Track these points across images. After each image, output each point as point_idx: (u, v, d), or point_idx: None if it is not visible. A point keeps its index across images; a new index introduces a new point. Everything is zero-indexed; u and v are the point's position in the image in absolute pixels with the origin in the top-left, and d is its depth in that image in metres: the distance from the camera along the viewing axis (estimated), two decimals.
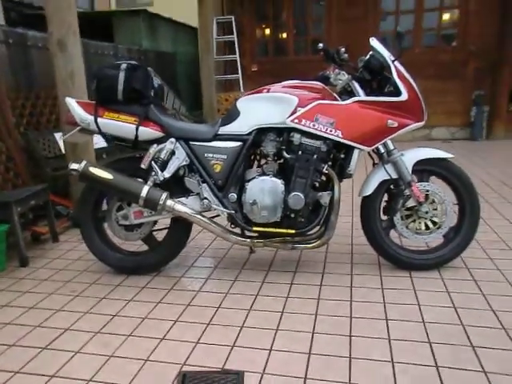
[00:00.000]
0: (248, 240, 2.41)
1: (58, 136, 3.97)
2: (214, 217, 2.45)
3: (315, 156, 2.28)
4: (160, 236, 2.57)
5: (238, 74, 7.33)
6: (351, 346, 1.76)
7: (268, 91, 2.37)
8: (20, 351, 1.84)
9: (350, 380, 1.57)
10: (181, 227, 2.49)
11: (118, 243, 2.62)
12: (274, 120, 2.30)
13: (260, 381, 1.59)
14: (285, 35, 7.93)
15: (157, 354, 1.78)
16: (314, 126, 2.24)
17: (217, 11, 7.37)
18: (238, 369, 1.66)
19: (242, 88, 7.23)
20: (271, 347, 1.78)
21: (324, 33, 7.51)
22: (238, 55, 7.34)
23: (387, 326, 1.90)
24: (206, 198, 2.33)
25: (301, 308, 2.08)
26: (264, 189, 2.30)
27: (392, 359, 1.67)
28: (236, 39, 7.34)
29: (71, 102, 2.40)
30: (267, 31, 8.09)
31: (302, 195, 2.27)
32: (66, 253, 2.95)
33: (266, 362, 1.69)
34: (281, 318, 2.00)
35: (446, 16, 7.12)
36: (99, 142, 4.19)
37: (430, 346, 1.74)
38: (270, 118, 2.31)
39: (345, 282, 2.33)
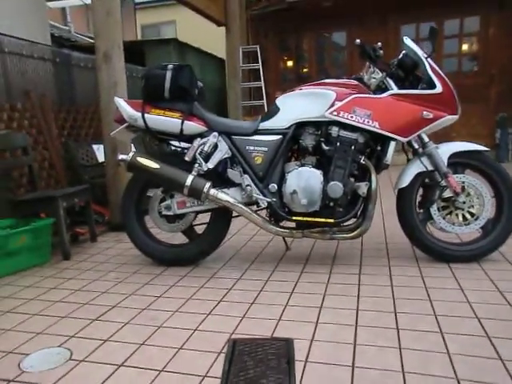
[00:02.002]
0: (287, 230, 2.46)
1: (95, 147, 4.16)
2: (255, 211, 2.52)
3: (353, 147, 2.36)
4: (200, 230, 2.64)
5: (262, 100, 7.56)
6: (397, 320, 1.77)
7: (305, 88, 2.49)
8: (72, 321, 1.90)
9: (400, 345, 1.57)
10: (220, 220, 2.57)
11: (158, 236, 2.70)
12: (313, 114, 2.40)
13: (310, 346, 1.60)
14: (307, 64, 8.22)
15: (205, 325, 1.81)
16: (351, 117, 2.33)
17: (242, 41, 7.69)
18: (285, 336, 1.68)
19: None
20: (317, 320, 1.80)
21: (346, 60, 7.76)
22: (262, 82, 7.60)
23: (431, 304, 1.90)
24: (248, 185, 2.41)
25: (342, 291, 2.11)
26: (304, 178, 2.37)
27: (440, 330, 1.67)
28: (261, 67, 7.62)
29: (119, 101, 2.56)
30: (290, 61, 8.40)
31: (340, 184, 2.33)
32: (105, 250, 3.04)
33: (314, 332, 1.71)
34: (323, 299, 2.02)
35: (466, 42, 7.31)
36: None
37: (479, 320, 1.73)
38: (308, 112, 2.41)
39: (384, 272, 2.35)
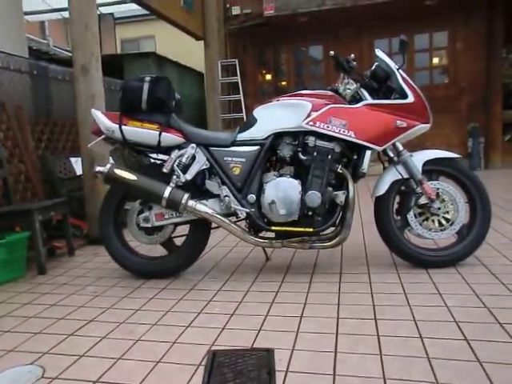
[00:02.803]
0: (267, 241, 2.46)
1: (73, 160, 4.10)
2: (234, 222, 2.51)
3: (329, 156, 2.38)
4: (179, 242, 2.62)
5: (242, 113, 7.60)
6: (378, 327, 1.77)
7: (282, 100, 2.52)
8: (46, 337, 1.85)
9: (381, 352, 1.58)
10: (200, 232, 2.55)
11: (137, 248, 2.66)
12: (290, 124, 2.43)
13: (290, 356, 1.59)
14: (285, 77, 8.32)
15: (184, 337, 1.78)
16: (328, 127, 2.36)
17: (221, 55, 7.75)
18: (266, 347, 1.67)
19: None
20: (298, 330, 1.80)
21: (323, 73, 7.89)
22: (241, 95, 7.66)
23: (411, 310, 1.91)
24: (226, 196, 2.41)
25: (323, 299, 2.10)
26: (282, 188, 2.38)
27: (420, 335, 1.68)
28: (239, 80, 7.68)
29: (97, 113, 2.54)
30: (269, 74, 8.49)
31: (318, 193, 2.35)
32: (83, 264, 2.98)
33: (295, 341, 1.70)
34: (304, 308, 2.02)
35: (436, 56, 7.53)
36: None
37: (457, 324, 1.75)
38: (285, 122, 2.44)
39: (363, 279, 2.36)
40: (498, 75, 7.01)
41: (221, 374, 1.49)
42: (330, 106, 2.39)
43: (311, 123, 2.37)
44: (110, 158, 4.02)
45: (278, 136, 2.45)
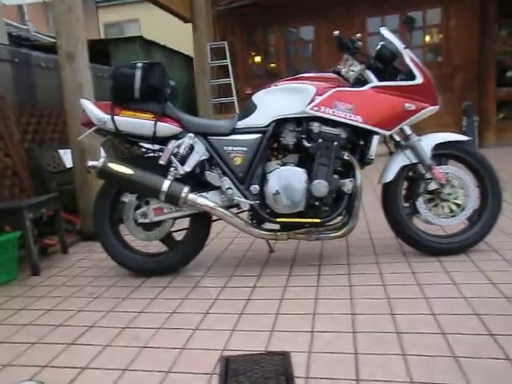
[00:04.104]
0: (271, 233, 2.35)
1: (62, 152, 3.93)
2: (236, 213, 2.40)
3: (335, 143, 2.27)
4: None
5: (233, 96, 7.42)
6: (396, 323, 1.69)
7: (283, 83, 2.38)
8: (44, 348, 1.73)
9: (403, 351, 1.49)
10: (200, 225, 2.43)
11: (134, 244, 2.54)
12: (293, 110, 2.30)
13: (308, 359, 1.50)
14: (276, 59, 8.13)
15: (193, 343, 1.68)
16: (333, 112, 2.24)
17: (210, 37, 7.52)
18: (281, 350, 1.57)
19: (237, 110, 7.31)
20: (312, 329, 1.70)
21: (314, 54, 7.71)
22: (231, 78, 7.46)
23: (428, 303, 1.83)
24: (229, 188, 2.29)
25: (334, 294, 2.01)
26: (286, 178, 2.27)
27: (442, 331, 1.60)
28: (229, 63, 7.47)
29: (86, 103, 2.38)
30: (259, 56, 8.29)
31: (325, 182, 2.24)
32: (78, 262, 2.85)
33: (311, 342, 1.60)
34: (316, 304, 1.92)
35: (429, 33, 7.40)
36: None
37: (479, 318, 1.67)
38: (288, 108, 2.31)
39: (373, 270, 2.27)
40: (491, 52, 6.91)
41: (237, 382, 1.39)
42: (334, 90, 2.27)
43: (315, 108, 2.25)
44: (101, 149, 3.87)
45: (281, 123, 2.33)
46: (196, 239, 2.45)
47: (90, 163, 2.26)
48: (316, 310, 1.86)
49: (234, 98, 7.40)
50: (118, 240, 2.47)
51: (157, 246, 2.57)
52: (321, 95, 2.26)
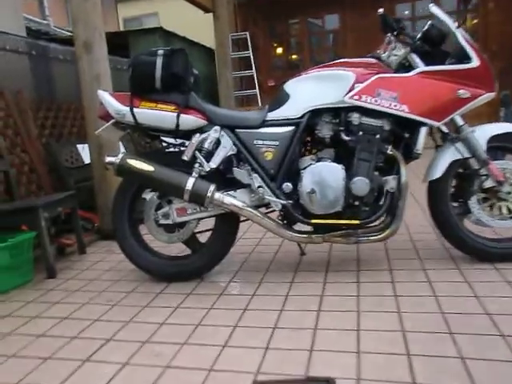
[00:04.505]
0: (305, 235, 2.13)
1: (80, 147, 3.78)
2: (265, 214, 2.19)
3: (377, 136, 2.03)
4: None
5: (255, 89, 7.20)
6: (458, 345, 1.45)
7: (318, 71, 2.16)
8: (57, 364, 1.55)
9: (472, 381, 1.26)
10: (227, 226, 2.23)
11: (154, 245, 2.36)
12: (329, 100, 2.07)
13: None
14: (299, 50, 7.85)
15: (222, 363, 1.48)
16: (375, 101, 2.00)
17: (231, 28, 7.30)
18: (324, 375, 1.36)
19: (260, 103, 7.09)
20: (358, 349, 1.48)
21: (339, 43, 7.41)
22: (254, 70, 7.23)
23: (494, 323, 1.58)
24: (260, 187, 2.07)
25: (379, 306, 1.78)
26: (323, 175, 2.04)
27: None
28: (251, 55, 7.24)
29: (104, 95, 2.20)
30: (282, 47, 8.03)
31: (366, 179, 2.01)
32: (96, 264, 2.68)
33: (359, 366, 1.38)
34: (359, 318, 1.70)
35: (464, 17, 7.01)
36: None
37: None
38: (324, 97, 2.08)
39: (420, 277, 2.03)
40: None
41: None
42: (377, 76, 2.02)
43: (356, 97, 2.01)
44: (120, 143, 3.71)
45: (316, 114, 2.10)
46: (222, 241, 2.25)
47: (108, 159, 2.08)
48: (360, 325, 1.64)
49: (257, 90, 7.18)
50: (137, 241, 2.29)
51: (179, 248, 2.39)
52: (361, 82, 2.02)
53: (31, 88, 3.70)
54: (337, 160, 2.10)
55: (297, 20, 7.78)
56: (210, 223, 2.25)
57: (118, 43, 6.10)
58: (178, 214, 2.15)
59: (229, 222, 2.22)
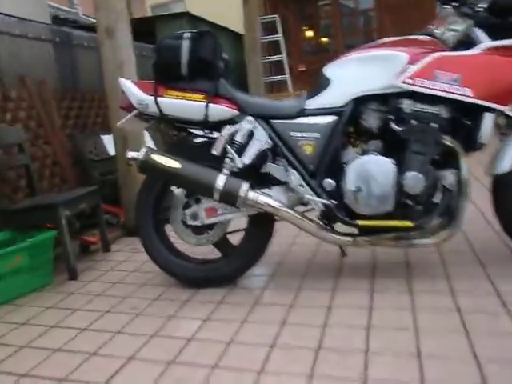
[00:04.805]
0: (350, 238, 1.89)
1: (105, 139, 3.62)
2: (302, 214, 1.97)
3: (434, 125, 1.76)
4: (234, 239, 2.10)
5: (285, 74, 6.90)
6: None
7: (364, 51, 1.89)
8: None
9: None
10: (261, 227, 2.01)
11: (180, 246, 2.17)
12: (377, 84, 1.81)
13: None
14: (332, 31, 7.48)
15: None
16: (433, 85, 1.73)
17: (260, 10, 7.00)
18: None
19: (290, 89, 6.80)
20: (422, 380, 1.25)
21: (376, 23, 7.01)
22: (284, 55, 6.93)
23: None
24: (300, 185, 1.84)
25: (441, 323, 1.53)
26: (370, 171, 1.79)
27: None
28: (282, 39, 6.94)
29: (125, 83, 2.00)
30: (313, 30, 7.68)
31: (420, 175, 1.75)
32: (120, 264, 2.52)
33: None
34: (418, 338, 1.45)
35: None
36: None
37: None
38: (371, 82, 1.82)
39: (485, 287, 1.75)
40: None
41: None
42: (434, 56, 1.74)
43: (409, 81, 1.74)
44: (146, 134, 3.53)
45: (361, 101, 1.84)
46: (256, 243, 2.03)
47: (130, 154, 1.88)
48: (421, 348, 1.40)
49: (287, 75, 6.88)
50: (163, 242, 2.10)
51: (207, 248, 2.19)
52: (415, 63, 1.75)
53: (55, 77, 3.55)
54: (385, 153, 1.84)
55: (328, 1, 7.40)
56: (243, 222, 2.04)
57: (145, 30, 5.93)
58: (207, 215, 1.94)
59: (263, 221, 2.00)
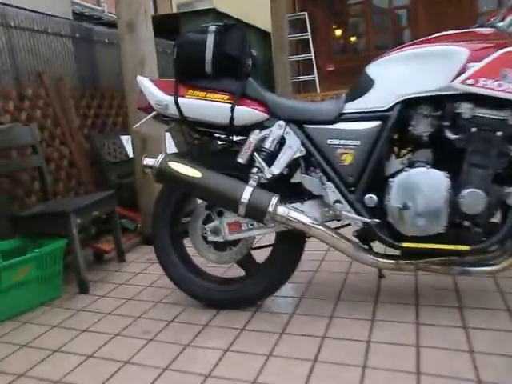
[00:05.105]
0: (392, 261, 1.65)
1: (124, 140, 3.46)
2: (337, 228, 1.74)
3: (499, 133, 1.50)
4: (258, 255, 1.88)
5: (313, 74, 6.64)
6: None
7: (414, 48, 1.64)
8: None
9: None
10: (291, 243, 1.79)
11: (203, 266, 1.96)
12: (430, 85, 1.55)
13: None
14: (363, 29, 7.18)
15: None
16: (499, 86, 1.46)
17: (288, 8, 6.75)
18: None
19: (318, 89, 6.53)
20: None
21: (410, 21, 6.68)
22: (312, 54, 6.67)
23: None
24: (338, 201, 1.61)
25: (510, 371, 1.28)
26: (420, 185, 1.54)
27: None
28: (310, 37, 6.68)
29: (143, 81, 1.80)
30: (343, 28, 7.39)
31: (481, 192, 1.49)
32: (135, 276, 2.34)
33: None
34: None
35: None
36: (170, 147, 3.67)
37: None
38: (422, 83, 1.57)
39: None
40: None
41: None
42: (501, 52, 1.48)
43: (470, 81, 1.48)
44: (167, 135, 3.35)
45: (410, 104, 1.59)
46: (285, 261, 1.80)
47: (146, 162, 1.68)
48: None
49: (315, 75, 6.61)
50: (181, 258, 1.90)
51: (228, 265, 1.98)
52: (478, 61, 1.49)
53: (74, 74, 3.40)
54: (437, 165, 1.58)
55: None
56: (270, 236, 1.82)
57: (170, 27, 5.77)
58: (230, 231, 1.73)
59: (293, 236, 1.77)
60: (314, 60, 6.62)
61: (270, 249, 1.83)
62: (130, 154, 3.35)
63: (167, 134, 3.47)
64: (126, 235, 2.94)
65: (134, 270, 2.42)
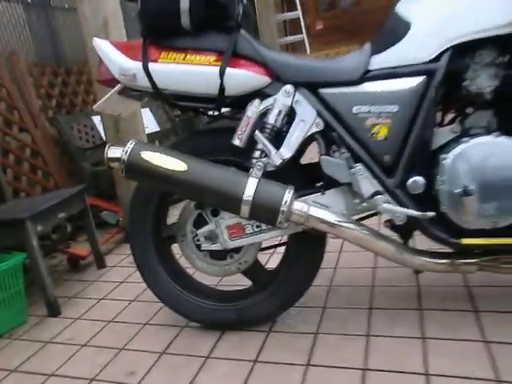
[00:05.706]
0: (447, 260, 1.26)
1: (97, 121, 2.99)
2: (361, 219, 1.34)
3: None
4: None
5: (302, 33, 6.10)
6: None
7: None
8: None
9: None
10: (308, 243, 1.39)
11: (200, 277, 1.56)
12: (492, 21, 1.13)
13: None
14: None
15: None
16: None
17: None
18: None
19: (308, 50, 6.01)
20: None
21: None
22: (299, 12, 6.10)
23: None
24: (377, 193, 1.20)
25: None
26: (488, 159, 1.14)
27: None
28: None
29: (102, 45, 1.35)
30: None
31: None
32: (116, 288, 1.94)
33: None
34: None
35: None
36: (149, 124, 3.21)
37: None
38: (480, 18, 1.14)
39: None
40: None
41: None
42: None
43: None
44: (145, 112, 2.90)
45: (463, 51, 1.16)
46: (302, 267, 1.40)
47: (111, 153, 1.25)
48: None
49: (304, 35, 6.07)
50: (168, 270, 1.50)
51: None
52: None
53: (29, 48, 2.91)
54: (504, 131, 1.18)
55: None
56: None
57: None
58: (230, 236, 1.32)
59: (311, 239, 1.37)
60: (301, 18, 6.06)
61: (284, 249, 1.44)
62: (105, 137, 2.90)
63: (145, 110, 3.03)
64: (107, 230, 2.55)
65: (115, 279, 2.02)
